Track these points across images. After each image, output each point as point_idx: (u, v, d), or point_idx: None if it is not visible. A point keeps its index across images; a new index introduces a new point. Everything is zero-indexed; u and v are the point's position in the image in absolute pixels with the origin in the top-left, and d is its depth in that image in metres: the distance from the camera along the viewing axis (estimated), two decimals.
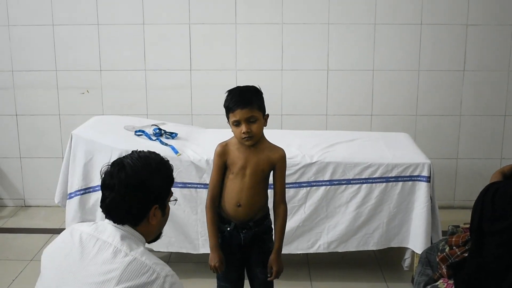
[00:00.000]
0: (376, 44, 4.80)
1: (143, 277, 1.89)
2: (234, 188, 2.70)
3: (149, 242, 2.14)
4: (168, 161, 2.15)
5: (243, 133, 2.61)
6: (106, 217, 2.07)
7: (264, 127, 2.73)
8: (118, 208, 2.03)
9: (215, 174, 2.76)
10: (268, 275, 2.76)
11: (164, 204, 2.13)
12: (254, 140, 2.65)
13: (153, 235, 2.15)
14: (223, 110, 4.89)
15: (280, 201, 2.77)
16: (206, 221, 3.61)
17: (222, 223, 2.76)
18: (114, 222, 2.04)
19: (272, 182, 2.81)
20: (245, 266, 2.85)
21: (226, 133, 4.21)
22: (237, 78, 4.84)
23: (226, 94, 2.69)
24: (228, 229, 2.74)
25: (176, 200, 2.22)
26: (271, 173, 2.79)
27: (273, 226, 2.82)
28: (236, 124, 2.64)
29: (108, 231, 2.01)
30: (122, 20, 4.81)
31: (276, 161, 2.72)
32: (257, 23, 4.79)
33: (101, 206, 2.06)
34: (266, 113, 2.70)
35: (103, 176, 2.07)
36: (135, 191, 2.01)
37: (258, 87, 2.71)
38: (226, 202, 2.73)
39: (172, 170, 2.16)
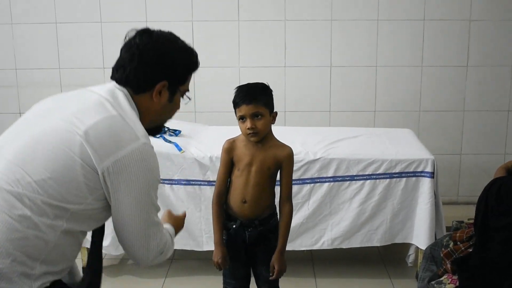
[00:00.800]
0: (379, 40, 4.79)
1: (120, 134, 1.76)
2: (239, 185, 2.70)
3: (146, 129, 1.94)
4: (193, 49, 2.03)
5: (248, 128, 2.61)
6: (111, 77, 1.96)
7: (272, 125, 2.72)
8: (125, 66, 1.91)
9: (221, 170, 2.76)
10: (270, 274, 2.76)
11: (175, 88, 1.96)
12: (259, 137, 2.64)
13: (150, 117, 1.95)
14: (226, 107, 4.90)
15: (286, 199, 2.76)
16: (211, 218, 3.68)
17: (228, 220, 2.76)
18: (117, 82, 1.93)
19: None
20: (251, 264, 2.85)
21: (230, 130, 4.22)
22: (240, 75, 4.84)
23: (235, 90, 2.68)
24: (234, 226, 2.74)
25: (189, 99, 2.05)
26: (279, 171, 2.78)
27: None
28: (242, 119, 2.64)
29: (106, 88, 1.91)
30: (125, 18, 4.81)
31: (283, 159, 2.72)
32: (259, 20, 4.79)
33: (112, 68, 1.96)
34: (274, 111, 2.69)
35: (126, 38, 1.97)
36: (152, 56, 1.89)
37: (267, 84, 2.71)
38: (232, 199, 2.73)
39: (196, 57, 2.06)
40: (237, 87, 2.70)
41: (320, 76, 4.86)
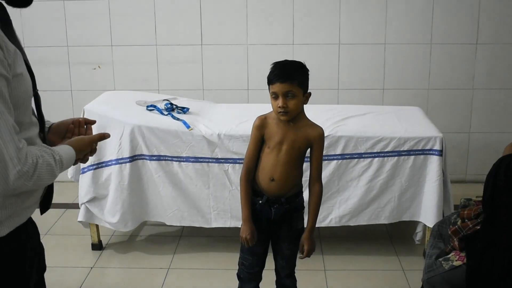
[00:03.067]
0: (388, 17, 4.76)
1: None
2: (269, 163, 2.68)
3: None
4: None
5: (279, 107, 2.57)
6: None
7: (305, 105, 2.69)
8: None
9: (251, 147, 2.73)
10: (300, 254, 2.75)
11: None
12: (290, 116, 2.61)
13: None
14: (235, 85, 4.95)
15: (316, 179, 2.74)
16: (219, 195, 3.71)
17: (255, 195, 2.74)
18: None
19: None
20: (270, 241, 2.85)
21: (238, 108, 4.24)
22: (248, 53, 4.83)
23: (271, 65, 2.65)
24: (260, 202, 2.73)
25: None
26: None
27: (306, 204, 2.81)
28: (274, 97, 2.60)
29: None
30: None
31: (314, 139, 2.69)
32: None
33: None
34: (308, 91, 2.65)
35: None
36: None
37: (304, 64, 2.66)
38: (260, 176, 2.71)
39: None
40: (273, 63, 2.64)
41: (328, 54, 4.84)
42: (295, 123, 2.67)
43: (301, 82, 2.59)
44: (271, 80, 2.60)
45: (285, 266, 2.87)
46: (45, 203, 1.98)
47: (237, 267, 2.91)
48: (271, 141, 2.68)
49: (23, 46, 1.87)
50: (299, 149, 2.68)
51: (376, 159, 3.68)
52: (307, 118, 2.73)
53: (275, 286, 2.97)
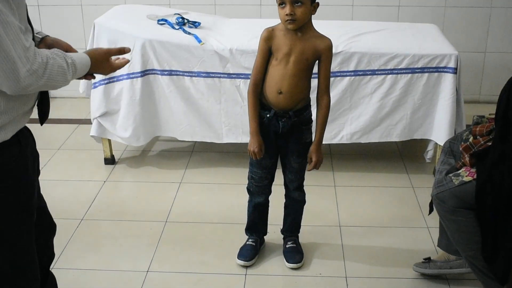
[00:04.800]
0: None
1: None
2: (276, 75, 2.66)
3: None
4: None
5: (286, 14, 2.53)
6: None
7: (313, 15, 2.64)
8: None
9: (259, 59, 2.70)
10: (308, 166, 2.78)
11: None
12: (297, 25, 2.57)
13: None
14: (247, 0, 4.83)
15: (324, 92, 2.72)
16: (230, 110, 3.70)
17: (262, 109, 2.73)
18: None
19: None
20: (279, 154, 2.86)
21: (250, 23, 4.18)
22: None
23: None
24: (268, 115, 2.72)
25: None
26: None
27: (314, 117, 2.80)
28: (282, 5, 2.55)
29: None
30: None
31: (322, 51, 2.65)
32: None
33: None
34: (316, 1, 2.60)
35: None
36: None
37: None
38: (267, 89, 2.69)
39: None
40: None
41: None
42: (303, 34, 2.63)
43: None
44: None
45: (294, 179, 2.90)
46: (43, 113, 1.99)
47: (247, 181, 2.94)
48: (279, 53, 2.65)
49: None
50: (307, 60, 2.65)
51: (390, 76, 3.64)
52: (315, 29, 2.69)
53: (284, 200, 3.01)
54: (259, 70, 2.71)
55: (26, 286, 1.96)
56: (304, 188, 2.95)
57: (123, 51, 2.04)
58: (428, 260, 2.91)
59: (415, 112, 3.69)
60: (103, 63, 1.99)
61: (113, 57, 2.04)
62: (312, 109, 2.82)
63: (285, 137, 2.77)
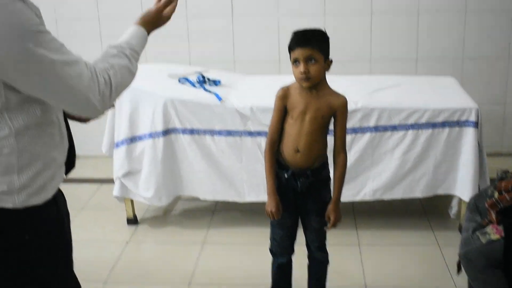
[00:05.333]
0: None
1: None
2: (292, 133, 2.67)
3: None
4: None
5: (301, 72, 2.55)
6: None
7: (327, 72, 2.66)
8: None
9: (275, 118, 2.71)
10: (326, 225, 2.75)
11: None
12: (312, 82, 2.58)
13: None
14: (266, 56, 4.91)
15: (340, 149, 2.72)
16: (252, 169, 3.70)
17: (280, 169, 2.73)
18: None
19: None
20: (299, 214, 2.84)
21: (270, 80, 4.21)
22: (279, 24, 4.78)
23: (292, 34, 2.62)
24: (286, 175, 2.72)
25: None
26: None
27: (332, 175, 2.79)
28: (296, 63, 2.58)
29: None
30: None
31: (337, 108, 2.66)
32: None
33: None
34: (329, 58, 2.62)
35: None
36: None
37: (324, 31, 2.63)
38: (284, 147, 2.70)
39: None
40: (294, 31, 2.63)
41: (360, 23, 4.76)
42: (318, 91, 2.64)
43: (322, 47, 2.57)
44: (291, 47, 2.59)
45: (315, 239, 2.87)
46: (69, 162, 1.99)
47: (269, 242, 2.91)
48: (294, 111, 2.66)
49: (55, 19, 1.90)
50: (322, 117, 2.66)
51: (410, 131, 3.63)
52: (330, 87, 2.70)
53: (307, 261, 2.97)
54: (275, 129, 2.72)
55: None
56: (327, 248, 2.91)
57: (169, 1, 2.09)
58: None
59: (437, 167, 3.67)
60: (157, 22, 2.06)
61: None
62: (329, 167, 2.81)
63: (303, 196, 2.75)
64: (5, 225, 1.73)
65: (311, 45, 2.53)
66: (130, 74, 1.84)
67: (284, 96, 2.69)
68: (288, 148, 2.69)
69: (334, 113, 2.68)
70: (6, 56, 1.55)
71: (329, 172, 2.80)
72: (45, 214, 1.79)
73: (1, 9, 1.53)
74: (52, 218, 1.83)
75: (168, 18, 2.11)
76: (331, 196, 2.78)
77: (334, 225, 2.75)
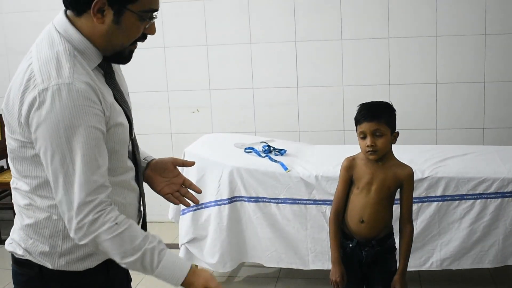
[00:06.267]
0: (487, 53, 4.65)
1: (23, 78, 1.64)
2: (358, 204, 2.68)
3: (105, 56, 1.78)
4: None
5: (367, 146, 2.58)
6: None
7: (393, 145, 2.69)
8: None
9: (340, 188, 2.74)
10: None
11: (120, 7, 1.68)
12: (379, 155, 2.62)
13: (99, 42, 1.72)
14: (330, 126, 4.96)
15: (407, 220, 2.71)
16: (317, 236, 3.70)
17: (345, 239, 2.73)
18: (65, 6, 1.74)
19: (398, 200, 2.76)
20: (364, 284, 2.81)
21: (335, 149, 4.24)
22: (343, 94, 4.84)
23: (358, 106, 2.67)
24: (350, 245, 2.71)
25: (155, 17, 1.78)
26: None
27: (397, 245, 2.77)
28: (362, 137, 2.62)
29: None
30: (229, 40, 4.94)
31: (404, 179, 2.68)
32: (362, 38, 4.77)
33: None
34: (396, 131, 2.66)
35: None
36: None
37: (391, 104, 2.68)
38: (349, 217, 2.71)
39: None
40: (360, 104, 2.69)
41: (426, 92, 4.77)
42: (384, 163, 2.66)
43: (389, 121, 2.61)
44: (358, 120, 2.63)
45: None
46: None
47: None
48: (360, 182, 2.68)
49: (128, 91, 1.96)
50: (388, 188, 2.66)
51: (479, 200, 3.57)
52: (395, 157, 2.72)
53: None
54: (340, 199, 2.73)
55: None
56: None
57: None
58: None
59: (507, 237, 3.57)
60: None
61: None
62: (395, 237, 2.79)
63: (369, 266, 2.73)
64: (45, 281, 1.81)
65: (378, 119, 2.57)
66: (120, 247, 1.69)
67: (349, 166, 2.71)
68: (353, 218, 2.69)
69: (400, 184, 2.68)
70: (49, 137, 1.62)
71: (394, 242, 2.78)
72: (87, 280, 1.84)
73: (61, 93, 1.61)
74: (96, 285, 1.87)
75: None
76: (397, 267, 2.75)
77: None
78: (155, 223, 5.21)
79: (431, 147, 4.30)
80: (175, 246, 4.25)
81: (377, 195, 2.66)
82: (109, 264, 1.85)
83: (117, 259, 1.70)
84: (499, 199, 3.55)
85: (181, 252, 3.93)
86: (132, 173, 1.92)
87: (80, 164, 1.62)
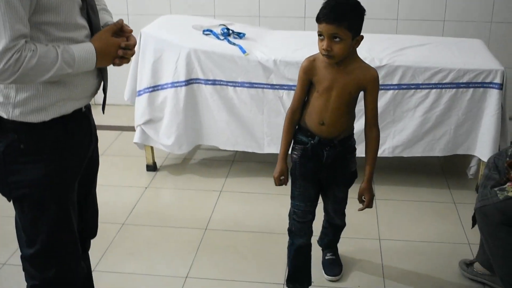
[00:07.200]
0: None
1: None
2: (318, 107, 2.54)
3: None
4: None
5: (323, 49, 2.40)
6: None
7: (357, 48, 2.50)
8: None
9: (299, 89, 2.59)
10: (361, 206, 2.65)
11: None
12: (334, 60, 2.43)
13: None
14: (291, 12, 4.87)
15: (372, 124, 2.60)
16: (273, 121, 3.72)
17: (306, 136, 2.61)
18: None
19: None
20: (322, 185, 2.74)
21: (294, 35, 4.20)
22: None
23: (323, 3, 2.42)
24: (312, 142, 2.59)
25: None
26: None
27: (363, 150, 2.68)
28: (321, 36, 2.42)
29: None
30: None
31: (367, 83, 2.51)
32: None
33: None
34: (360, 35, 2.43)
35: None
36: None
37: (359, 3, 2.43)
38: (310, 119, 2.58)
39: None
40: (325, 1, 2.43)
41: None
42: (346, 66, 2.49)
43: (351, 25, 2.38)
44: (318, 19, 2.41)
45: (338, 208, 2.83)
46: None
47: (289, 193, 2.75)
48: (320, 86, 2.53)
49: None
50: (349, 94, 2.52)
51: (434, 90, 3.61)
52: (360, 59, 2.54)
53: (323, 219, 2.97)
54: (297, 100, 2.60)
55: (66, 257, 2.08)
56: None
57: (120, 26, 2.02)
58: (470, 264, 2.96)
59: (459, 127, 3.66)
60: (109, 47, 1.95)
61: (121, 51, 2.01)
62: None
63: (329, 167, 2.64)
64: (3, 130, 1.88)
65: (338, 22, 2.35)
66: (44, 66, 1.77)
67: (309, 68, 2.54)
68: (312, 120, 2.56)
69: (363, 88, 2.54)
70: None
71: (355, 142, 2.70)
72: (44, 132, 1.89)
73: None
74: (53, 138, 1.92)
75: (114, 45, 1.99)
76: (356, 168, 2.72)
77: (369, 205, 2.65)
78: (110, 106, 5.14)
79: (390, 36, 4.29)
80: (131, 129, 4.25)
81: (337, 101, 2.51)
82: (66, 119, 1.92)
83: (46, 76, 1.77)
84: (454, 90, 3.60)
85: (137, 133, 3.92)
86: (85, 32, 1.91)
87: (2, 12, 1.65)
